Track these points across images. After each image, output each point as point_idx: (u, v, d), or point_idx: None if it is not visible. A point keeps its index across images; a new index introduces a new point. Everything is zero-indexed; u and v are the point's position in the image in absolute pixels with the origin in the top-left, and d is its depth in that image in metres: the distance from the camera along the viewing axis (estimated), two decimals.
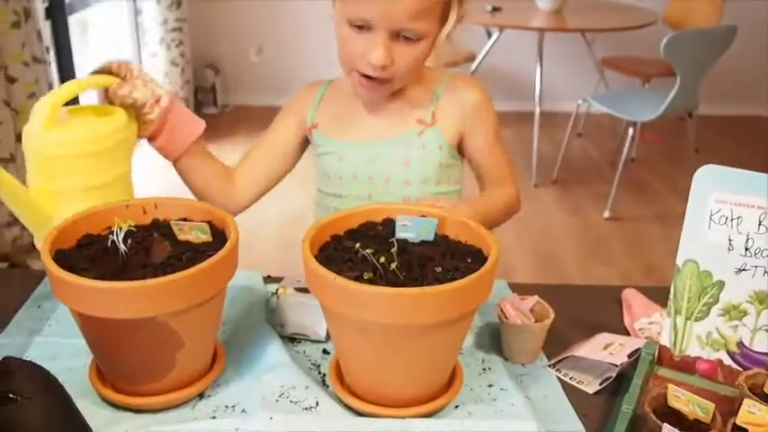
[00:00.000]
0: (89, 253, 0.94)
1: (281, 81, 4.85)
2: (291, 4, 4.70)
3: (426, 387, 0.95)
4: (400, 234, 0.98)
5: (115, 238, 0.94)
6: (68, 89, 1.07)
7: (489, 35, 4.35)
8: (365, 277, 0.88)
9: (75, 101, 1.23)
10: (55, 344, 1.07)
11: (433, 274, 0.90)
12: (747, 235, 0.94)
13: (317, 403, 0.95)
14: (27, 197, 1.03)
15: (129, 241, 0.95)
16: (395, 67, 1.15)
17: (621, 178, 3.65)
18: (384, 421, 0.92)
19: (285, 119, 1.35)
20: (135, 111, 1.14)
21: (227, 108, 5.02)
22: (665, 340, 1.01)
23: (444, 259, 0.94)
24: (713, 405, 0.84)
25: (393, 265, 0.89)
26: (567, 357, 1.05)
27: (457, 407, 0.97)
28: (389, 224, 1.01)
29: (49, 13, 3.20)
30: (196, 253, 0.94)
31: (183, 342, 0.91)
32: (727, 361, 0.98)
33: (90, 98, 1.22)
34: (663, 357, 1.02)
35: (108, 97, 1.14)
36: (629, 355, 1.01)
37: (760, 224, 0.94)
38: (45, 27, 3.07)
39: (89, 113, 1.13)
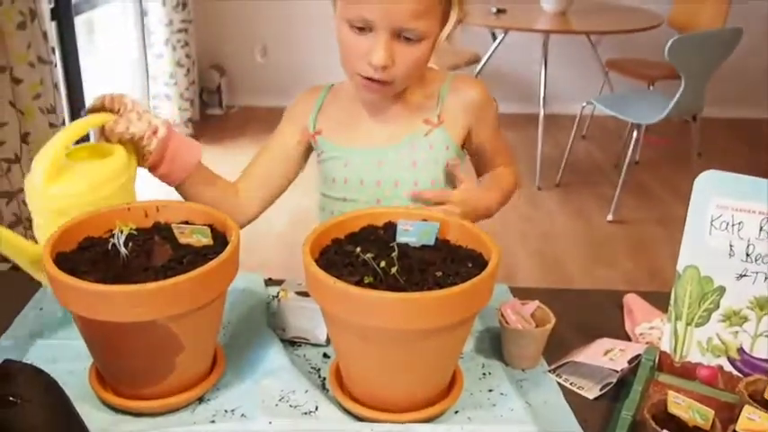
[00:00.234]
0: (90, 256, 0.94)
1: (287, 82, 4.86)
2: (297, 6, 4.70)
3: (426, 392, 0.95)
4: (401, 238, 0.98)
5: (116, 241, 0.94)
6: (66, 137, 1.07)
7: (494, 37, 4.34)
8: (365, 282, 0.88)
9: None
10: (55, 347, 1.08)
11: (433, 279, 0.90)
12: (748, 241, 0.94)
13: (317, 408, 0.95)
14: (35, 252, 1.02)
15: (131, 244, 0.95)
16: (396, 68, 1.14)
17: (625, 181, 3.64)
18: (384, 426, 0.92)
19: (286, 127, 1.34)
20: (133, 144, 1.14)
21: (233, 109, 5.03)
22: (666, 346, 1.01)
23: (445, 264, 0.94)
24: (713, 412, 0.84)
25: (393, 270, 0.89)
26: (568, 363, 1.05)
27: (457, 412, 0.97)
28: (390, 228, 1.01)
29: (55, 13, 3.22)
30: (197, 256, 0.94)
31: (183, 346, 0.91)
32: (728, 367, 0.98)
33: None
34: (663, 363, 1.02)
35: (105, 135, 1.14)
36: (630, 361, 1.01)
37: (761, 230, 0.93)
38: (51, 28, 3.08)
39: (88, 155, 1.13)
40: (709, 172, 0.96)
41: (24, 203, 2.69)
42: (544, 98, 3.88)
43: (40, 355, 1.06)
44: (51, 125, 2.76)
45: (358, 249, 0.93)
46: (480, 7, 4.07)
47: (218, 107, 4.97)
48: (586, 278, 3.14)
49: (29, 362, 1.01)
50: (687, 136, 4.47)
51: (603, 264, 3.26)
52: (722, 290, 0.96)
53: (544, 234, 3.51)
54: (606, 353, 1.03)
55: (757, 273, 0.94)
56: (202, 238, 0.96)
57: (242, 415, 0.94)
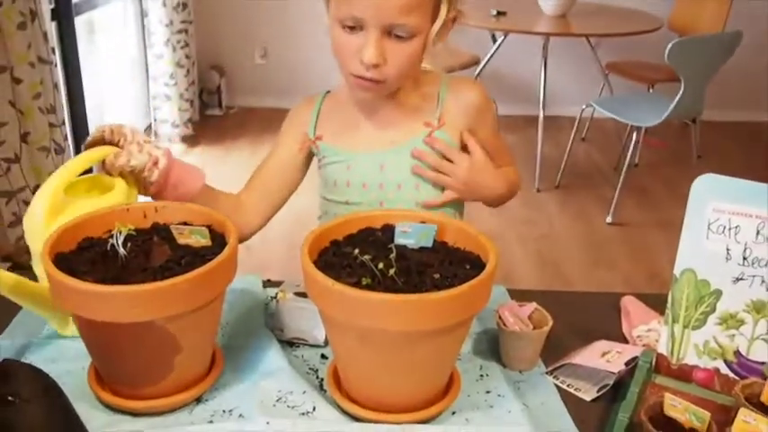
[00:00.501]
0: (89, 256, 0.95)
1: (286, 83, 4.87)
2: (297, 7, 4.71)
3: (424, 393, 0.95)
4: (399, 240, 0.98)
5: (115, 241, 0.94)
6: (66, 174, 1.07)
7: (494, 39, 4.35)
8: (363, 283, 0.88)
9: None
10: (54, 346, 1.08)
11: (431, 281, 0.90)
12: (745, 244, 0.95)
13: (314, 408, 0.96)
14: (33, 289, 1.03)
15: (129, 245, 0.95)
16: (388, 66, 1.14)
17: (624, 183, 3.65)
18: (381, 427, 0.93)
19: (286, 137, 1.35)
20: (135, 177, 1.14)
21: (233, 109, 5.04)
22: (663, 348, 1.02)
23: (443, 266, 0.94)
24: (709, 414, 0.84)
25: (391, 272, 0.89)
26: (565, 364, 1.05)
27: (454, 413, 0.97)
28: (389, 230, 1.01)
29: (56, 14, 3.22)
30: (195, 257, 0.94)
31: (181, 346, 0.91)
32: (724, 370, 0.98)
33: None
34: (660, 366, 1.02)
35: (106, 169, 1.14)
36: (627, 363, 1.01)
37: (758, 234, 0.94)
38: (51, 28, 3.09)
39: (88, 189, 1.13)
40: (707, 176, 0.96)
41: (24, 203, 2.70)
42: (544, 100, 3.89)
43: (39, 354, 1.06)
44: (51, 125, 2.76)
45: (356, 251, 0.93)
46: (480, 9, 4.08)
47: (217, 108, 4.97)
48: (585, 280, 3.14)
49: (28, 361, 1.02)
50: (687, 138, 4.49)
51: (602, 266, 3.27)
52: (719, 293, 0.96)
53: (543, 236, 3.52)
54: (603, 355, 1.03)
55: (754, 276, 0.95)
56: (201, 239, 0.97)
57: (240, 415, 0.94)
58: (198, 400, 0.97)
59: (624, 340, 1.14)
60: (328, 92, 1.35)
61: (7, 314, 1.14)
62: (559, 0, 3.97)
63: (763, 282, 0.95)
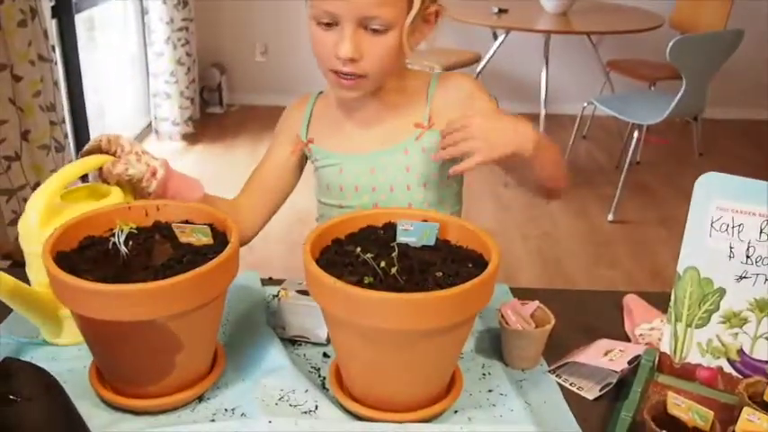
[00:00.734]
0: (91, 254, 0.94)
1: (287, 81, 4.86)
2: (297, 4, 4.67)
3: (426, 392, 0.95)
4: (401, 238, 0.98)
5: (117, 240, 0.94)
6: (61, 179, 1.07)
7: (495, 37, 4.34)
8: (365, 282, 0.88)
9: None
10: (55, 345, 1.08)
11: (433, 279, 0.90)
12: (748, 243, 0.94)
13: (317, 407, 0.95)
14: (30, 294, 1.03)
15: (131, 243, 0.95)
16: (365, 60, 1.13)
17: (626, 181, 3.64)
18: (383, 426, 0.92)
19: (279, 140, 1.35)
20: (131, 186, 1.14)
21: (233, 107, 5.03)
22: (666, 347, 1.01)
23: (445, 264, 0.94)
24: (712, 413, 0.84)
25: (394, 270, 0.89)
26: (567, 363, 1.05)
27: (456, 412, 0.97)
28: (390, 228, 1.01)
29: (56, 11, 3.22)
30: (197, 255, 0.94)
31: (182, 345, 0.91)
32: (728, 368, 0.98)
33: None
34: (663, 364, 1.02)
35: (102, 176, 1.13)
36: (630, 362, 1.01)
37: (761, 232, 0.93)
38: (51, 26, 3.08)
39: (84, 198, 1.13)
40: (710, 174, 0.96)
41: (25, 200, 2.69)
42: (545, 98, 3.89)
43: (40, 352, 1.06)
44: (51, 123, 2.76)
45: (358, 249, 0.93)
46: (482, 7, 4.07)
47: (218, 105, 4.97)
48: (587, 278, 3.14)
49: (28, 359, 1.02)
50: (688, 136, 4.49)
51: (604, 264, 3.26)
52: (722, 291, 0.96)
53: (545, 234, 3.51)
54: (606, 353, 1.03)
55: (757, 275, 0.94)
56: (202, 237, 0.96)
57: (242, 414, 0.94)
58: (200, 398, 0.97)
59: (627, 338, 1.14)
60: (321, 92, 1.34)
61: (8, 311, 1.13)
62: None
63: (766, 280, 0.94)
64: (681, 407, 0.86)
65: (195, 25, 4.50)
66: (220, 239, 0.97)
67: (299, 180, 1.36)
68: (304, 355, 1.07)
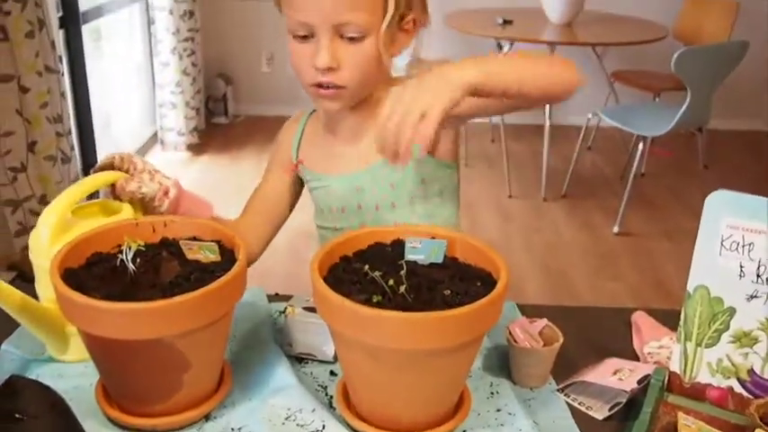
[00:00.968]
0: (98, 271, 0.94)
1: (292, 91, 4.85)
2: None
3: (434, 411, 0.94)
4: (409, 256, 0.97)
5: (124, 257, 0.94)
6: (73, 195, 1.07)
7: (500, 48, 4.34)
8: (374, 300, 0.87)
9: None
10: (61, 362, 1.07)
11: (441, 298, 0.89)
12: (759, 261, 0.94)
13: (324, 426, 0.95)
14: (38, 310, 1.02)
15: (138, 260, 0.95)
16: (343, 70, 1.11)
17: (631, 193, 3.64)
18: None
19: (275, 159, 1.35)
20: (143, 205, 1.14)
21: (239, 118, 5.04)
22: (675, 366, 1.00)
23: (453, 282, 0.94)
24: None
25: (402, 288, 0.89)
26: (576, 382, 1.04)
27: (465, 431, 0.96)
28: (398, 245, 1.00)
29: (63, 22, 3.23)
30: (204, 273, 0.93)
31: (190, 363, 0.90)
32: (738, 389, 0.97)
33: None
34: (673, 384, 1.01)
35: (115, 193, 1.14)
36: (639, 381, 1.00)
37: None
38: (59, 37, 3.09)
39: (95, 214, 1.13)
40: (720, 191, 0.95)
41: (31, 212, 2.70)
42: (550, 109, 3.88)
43: (46, 368, 1.06)
44: (58, 134, 2.77)
45: (366, 267, 0.93)
46: (486, 18, 4.08)
47: (223, 116, 4.98)
48: (591, 291, 3.13)
49: (34, 377, 1.01)
50: (693, 148, 4.48)
51: (609, 276, 3.26)
52: (732, 311, 0.95)
53: (549, 245, 3.51)
54: (615, 372, 1.02)
55: None
56: (210, 255, 0.96)
57: None
58: (207, 417, 0.97)
59: (635, 356, 1.13)
60: (314, 111, 1.33)
61: (14, 326, 1.13)
62: (565, 9, 3.97)
63: None
64: (691, 428, 0.86)
65: (201, 36, 4.52)
66: (228, 257, 0.97)
67: (297, 201, 1.36)
68: (311, 373, 1.07)
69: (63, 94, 2.81)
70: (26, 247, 2.80)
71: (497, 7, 4.37)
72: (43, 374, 1.04)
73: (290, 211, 1.35)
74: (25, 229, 2.70)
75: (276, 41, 4.93)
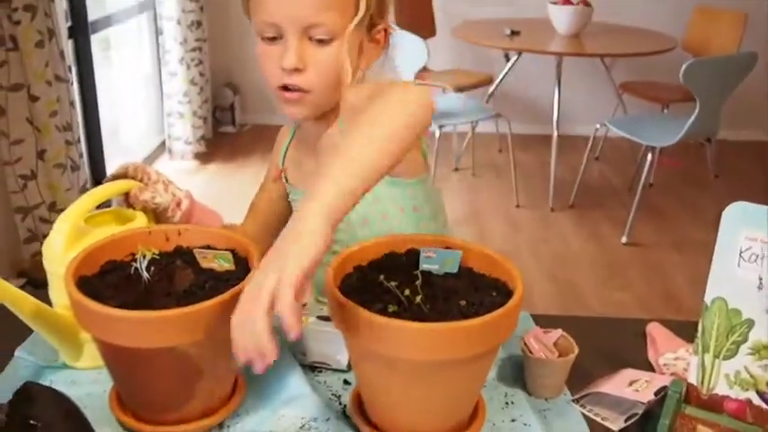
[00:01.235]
0: (112, 280, 0.94)
1: None
2: None
3: (449, 421, 0.93)
4: (424, 265, 0.97)
5: (139, 265, 0.93)
6: (87, 203, 1.07)
7: (508, 58, 4.35)
8: (390, 310, 0.87)
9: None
10: (74, 368, 1.07)
11: (457, 308, 0.89)
12: None
13: None
14: (51, 316, 1.02)
15: (153, 269, 0.94)
16: (309, 72, 1.08)
17: (639, 203, 3.63)
18: None
19: (270, 166, 1.34)
20: (155, 215, 1.14)
21: (246, 127, 5.05)
22: (693, 378, 1.00)
23: (468, 292, 0.93)
24: None
25: (418, 298, 0.88)
26: (592, 393, 1.03)
27: None
28: (412, 255, 1.00)
29: (72, 32, 3.24)
30: (218, 282, 0.93)
31: (204, 372, 0.90)
32: (757, 401, 0.96)
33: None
34: (690, 395, 1.00)
35: (129, 201, 1.14)
36: (656, 393, 0.99)
37: None
38: (68, 46, 3.11)
39: (108, 222, 1.13)
40: (739, 203, 0.94)
41: (40, 219, 2.70)
42: (557, 119, 3.89)
43: (59, 376, 1.05)
44: (67, 142, 2.78)
45: (381, 277, 0.92)
46: (494, 29, 4.08)
47: (230, 125, 4.99)
48: (599, 301, 3.12)
49: (48, 382, 1.01)
50: (702, 158, 4.47)
51: (617, 286, 3.24)
52: (751, 323, 0.95)
53: (557, 256, 3.50)
54: (631, 383, 1.01)
55: None
56: (225, 264, 0.96)
57: None
58: (220, 426, 0.96)
59: (650, 368, 1.13)
60: None
61: (27, 333, 1.13)
62: (573, 20, 3.97)
63: None
64: None
65: (208, 45, 4.53)
66: (242, 265, 0.96)
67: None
68: (324, 381, 1.06)
69: (72, 103, 2.83)
70: (36, 254, 2.82)
71: (505, 18, 4.38)
72: (57, 381, 1.03)
73: (289, 216, 1.33)
74: (35, 236, 2.71)
75: None
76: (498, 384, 1.07)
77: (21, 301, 0.98)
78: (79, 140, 2.91)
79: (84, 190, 2.88)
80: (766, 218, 0.92)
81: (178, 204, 1.14)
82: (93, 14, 3.40)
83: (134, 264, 0.95)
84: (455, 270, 0.97)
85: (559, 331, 1.08)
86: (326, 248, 0.77)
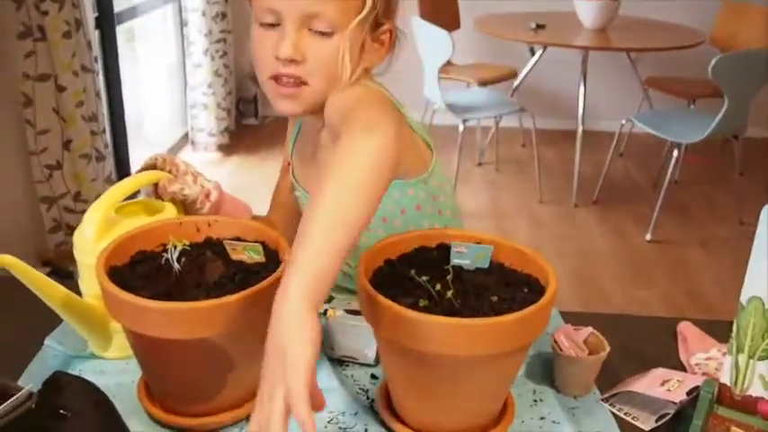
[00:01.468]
0: (143, 270, 0.94)
1: None
2: None
3: (478, 418, 0.92)
4: (455, 260, 0.96)
5: (170, 256, 0.93)
6: (118, 192, 1.07)
7: (533, 52, 4.32)
8: (421, 304, 0.86)
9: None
10: (103, 359, 1.08)
11: (489, 304, 0.88)
12: None
13: (366, 430, 0.94)
14: (80, 305, 1.03)
15: (183, 259, 0.94)
16: (308, 64, 1.04)
17: (664, 200, 3.59)
18: None
19: (284, 154, 1.33)
20: (184, 206, 1.14)
21: (268, 119, 5.06)
22: (726, 378, 0.98)
23: (500, 288, 0.92)
24: None
25: (449, 293, 0.87)
26: (623, 392, 1.02)
27: None
28: (443, 249, 0.99)
29: (98, 23, 3.26)
30: (248, 274, 0.93)
31: (234, 363, 0.90)
32: None
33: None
34: (723, 396, 0.98)
35: (158, 192, 1.14)
36: (688, 393, 0.98)
37: None
38: (95, 37, 3.12)
39: (138, 212, 1.13)
40: None
41: (65, 209, 2.72)
42: (582, 115, 3.85)
43: (88, 365, 1.06)
44: (93, 133, 2.79)
45: (412, 271, 0.91)
46: (519, 22, 4.05)
47: (253, 117, 5.00)
48: (623, 298, 3.09)
49: (76, 372, 1.02)
50: (728, 155, 4.41)
51: (640, 284, 3.21)
52: None
53: (581, 252, 3.47)
54: (663, 383, 1.00)
55: None
56: (255, 256, 0.95)
57: None
58: (248, 418, 0.95)
59: (681, 367, 1.11)
60: None
61: (56, 321, 1.13)
62: (599, 13, 3.93)
63: None
64: None
65: (233, 37, 4.54)
66: (272, 257, 0.96)
67: None
68: (352, 376, 1.06)
69: (98, 94, 2.84)
70: (60, 244, 2.83)
71: (530, 11, 4.34)
72: (85, 370, 1.04)
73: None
74: (59, 226, 2.73)
75: None
76: (527, 381, 1.06)
77: (51, 290, 0.99)
78: (104, 131, 2.92)
79: (108, 180, 2.90)
80: None
81: (207, 196, 1.14)
82: (118, 5, 3.42)
83: (165, 254, 0.95)
84: (486, 265, 0.96)
85: (590, 329, 1.07)
86: (319, 338, 0.75)
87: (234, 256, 0.96)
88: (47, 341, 1.10)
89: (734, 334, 0.96)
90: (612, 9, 3.94)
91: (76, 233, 1.05)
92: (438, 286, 0.88)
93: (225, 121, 4.51)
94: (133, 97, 3.75)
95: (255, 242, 0.97)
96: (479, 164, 4.47)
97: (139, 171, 1.16)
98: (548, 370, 1.07)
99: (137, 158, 3.53)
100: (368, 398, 1.01)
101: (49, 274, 1.00)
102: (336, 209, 0.79)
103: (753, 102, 3.45)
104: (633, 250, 3.52)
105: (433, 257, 0.99)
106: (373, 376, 1.06)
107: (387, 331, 0.86)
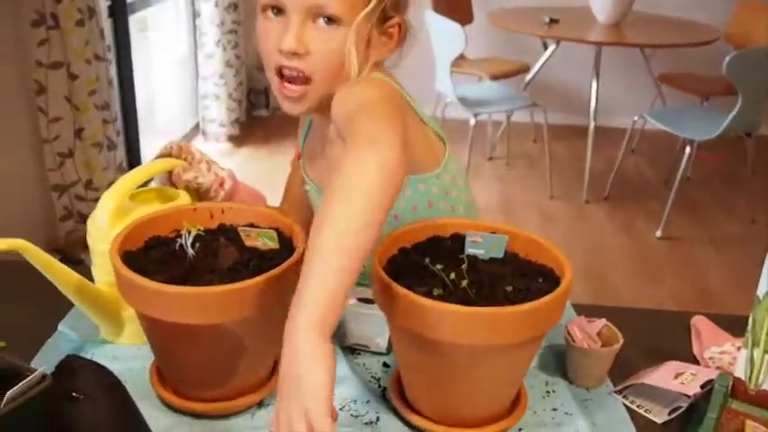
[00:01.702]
0: (157, 255, 0.94)
1: None
2: None
3: (490, 408, 0.92)
4: (470, 250, 0.96)
5: (184, 242, 0.93)
6: (132, 180, 1.07)
7: (545, 47, 4.30)
8: (435, 293, 0.86)
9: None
10: (116, 344, 1.08)
11: (503, 294, 0.88)
12: None
13: (378, 419, 0.94)
14: (92, 291, 1.03)
15: (197, 245, 0.94)
16: (311, 58, 1.01)
17: (676, 198, 3.57)
18: None
19: (295, 146, 1.32)
20: (198, 194, 1.14)
21: (279, 110, 5.03)
22: (740, 372, 0.97)
23: (514, 278, 0.92)
24: None
25: (464, 283, 0.87)
26: (636, 384, 1.01)
27: (520, 430, 0.94)
28: (458, 239, 0.99)
29: (111, 12, 3.26)
30: (262, 260, 0.93)
31: (247, 349, 0.90)
32: None
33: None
34: (737, 390, 0.98)
35: (172, 180, 1.14)
36: (702, 386, 0.97)
37: None
38: (107, 26, 3.12)
39: (151, 200, 1.13)
40: None
41: (76, 197, 2.73)
42: (595, 110, 3.83)
43: (100, 351, 1.06)
44: (104, 121, 2.80)
45: (427, 260, 0.91)
46: (533, 17, 4.03)
47: (264, 108, 5.00)
48: (633, 294, 3.08)
49: (89, 356, 1.02)
50: (740, 153, 4.38)
51: (651, 281, 3.20)
52: None
53: (591, 248, 3.46)
54: (677, 376, 0.99)
55: None
56: (269, 242, 0.95)
57: None
58: (260, 404, 0.96)
59: (693, 360, 1.10)
60: None
61: (68, 306, 1.13)
62: (614, 8, 3.91)
63: None
64: None
65: (245, 28, 4.53)
66: (286, 244, 0.96)
67: None
68: (363, 364, 1.06)
69: (110, 82, 2.84)
70: (71, 232, 2.84)
71: (544, 5, 4.32)
72: (98, 355, 1.04)
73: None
74: (70, 214, 2.74)
75: None
76: (539, 373, 1.06)
77: (64, 276, 0.99)
78: (116, 119, 2.93)
79: (120, 169, 2.90)
80: None
81: (221, 184, 1.14)
82: None
83: (179, 240, 0.95)
84: (501, 255, 0.96)
85: (603, 321, 1.06)
86: (334, 366, 0.75)
87: (248, 243, 0.96)
88: (60, 326, 1.10)
89: (750, 328, 0.95)
90: (627, 4, 3.91)
91: (90, 220, 1.05)
92: (453, 275, 0.88)
93: (236, 111, 4.51)
94: (145, 87, 3.75)
95: (269, 228, 0.97)
96: (490, 158, 4.46)
97: (155, 159, 1.16)
98: (560, 362, 1.07)
99: (148, 148, 3.53)
100: (379, 386, 1.01)
101: (60, 262, 1.00)
102: (343, 235, 0.75)
103: (767, 99, 3.42)
104: (644, 247, 3.50)
105: (447, 247, 0.98)
106: (385, 364, 1.06)
107: (401, 319, 0.86)
